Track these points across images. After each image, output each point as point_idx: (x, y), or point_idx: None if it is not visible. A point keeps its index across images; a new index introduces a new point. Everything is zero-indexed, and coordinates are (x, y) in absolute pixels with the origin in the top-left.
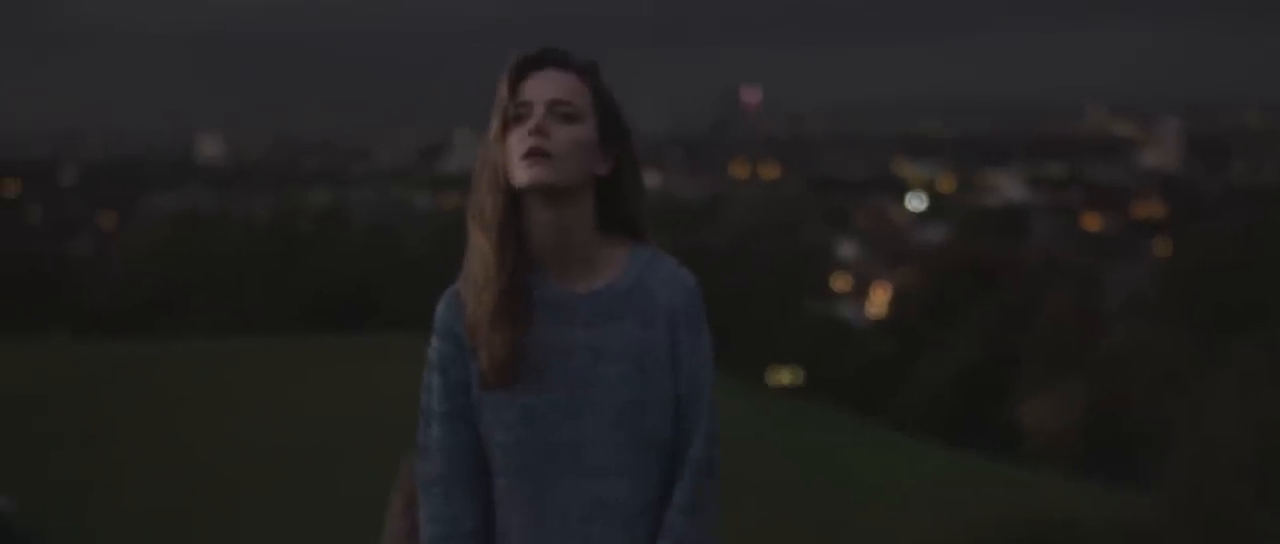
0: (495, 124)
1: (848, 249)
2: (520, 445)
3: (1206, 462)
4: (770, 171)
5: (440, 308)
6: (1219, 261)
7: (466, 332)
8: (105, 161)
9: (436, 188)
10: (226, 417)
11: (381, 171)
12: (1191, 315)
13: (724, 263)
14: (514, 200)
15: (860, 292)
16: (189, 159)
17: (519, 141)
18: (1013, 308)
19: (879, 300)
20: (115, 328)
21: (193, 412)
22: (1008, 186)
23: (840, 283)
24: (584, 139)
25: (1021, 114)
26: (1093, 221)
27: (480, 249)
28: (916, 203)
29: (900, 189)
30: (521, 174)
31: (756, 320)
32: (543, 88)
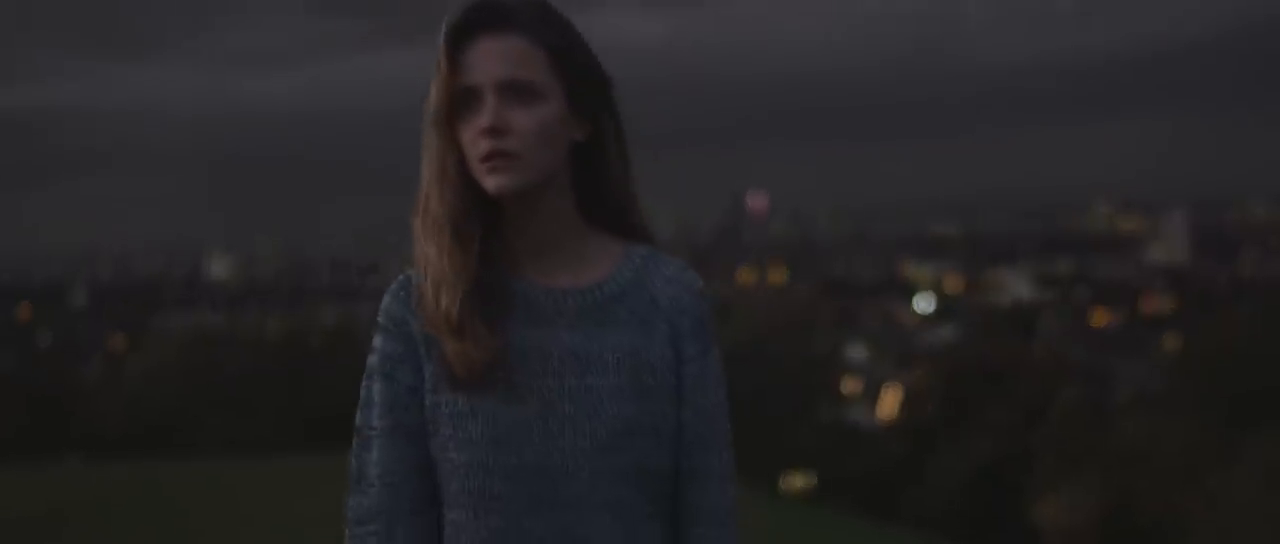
0: (435, 102)
1: (857, 351)
2: (482, 468)
3: None
4: (778, 275)
5: (387, 299)
6: (1229, 354)
7: (424, 327)
8: (116, 282)
9: None
10: (237, 536)
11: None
12: (1204, 409)
13: (734, 367)
14: (472, 192)
15: (870, 394)
16: (200, 278)
17: (472, 141)
18: (1024, 406)
19: (889, 402)
20: (127, 449)
21: (204, 531)
22: (1015, 285)
23: (850, 385)
24: (549, 118)
25: (1029, 212)
26: (1101, 318)
27: (427, 258)
28: (924, 304)
29: (908, 290)
30: (485, 182)
31: (768, 425)
32: (488, 65)
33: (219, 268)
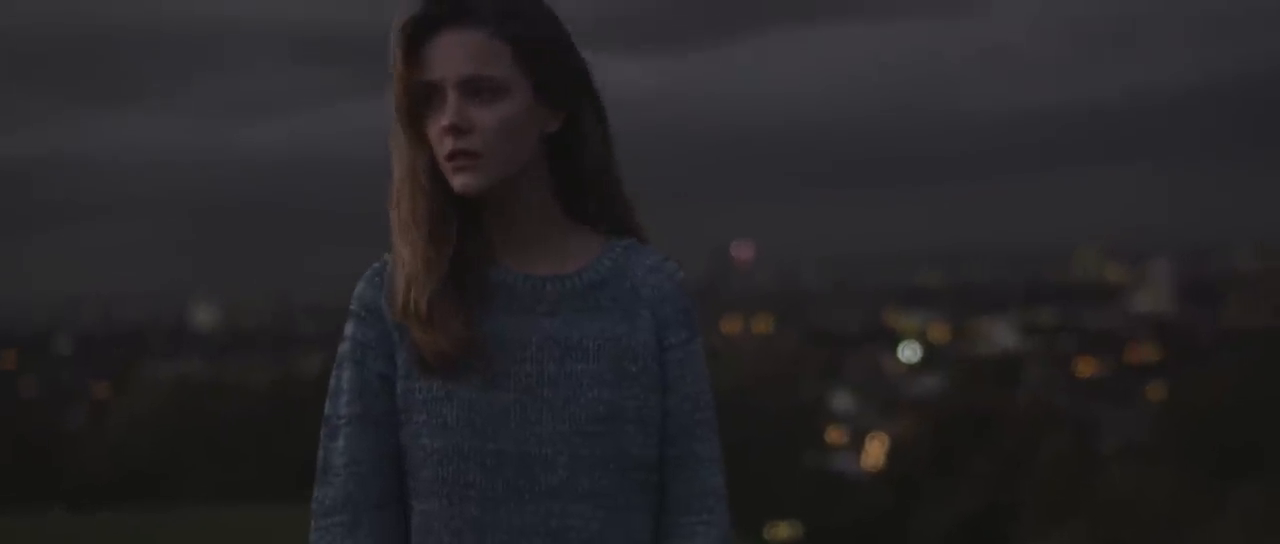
0: (397, 98)
1: (842, 401)
2: (458, 454)
3: None
4: (763, 325)
5: (361, 285)
6: (1214, 404)
7: (397, 313)
8: (100, 330)
9: None
10: None
11: None
12: (1188, 459)
13: (719, 416)
14: (443, 189)
15: (856, 443)
16: (185, 326)
17: (437, 138)
18: (1010, 456)
19: (875, 451)
20: (111, 498)
21: None
22: (1001, 334)
23: (836, 434)
24: (515, 114)
25: (1015, 261)
26: (1086, 367)
27: (401, 254)
28: (909, 353)
29: (894, 339)
30: (452, 181)
31: (753, 474)
32: (448, 61)
33: (205, 315)
